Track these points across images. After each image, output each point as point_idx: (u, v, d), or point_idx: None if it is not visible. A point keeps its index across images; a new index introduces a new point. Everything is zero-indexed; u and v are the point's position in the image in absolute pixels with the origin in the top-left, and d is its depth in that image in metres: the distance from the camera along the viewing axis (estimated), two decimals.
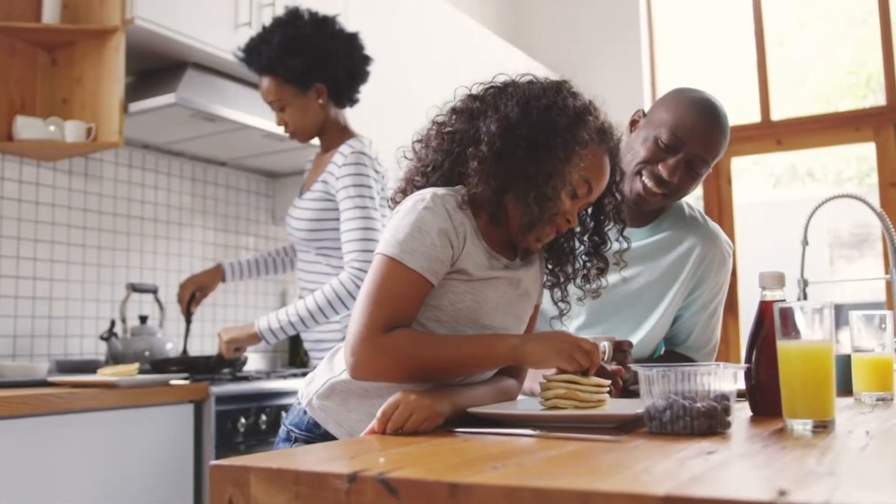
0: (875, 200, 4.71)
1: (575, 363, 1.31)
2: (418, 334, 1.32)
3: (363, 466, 0.88)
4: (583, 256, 1.54)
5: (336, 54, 2.51)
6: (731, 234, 5.04)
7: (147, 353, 2.81)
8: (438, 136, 1.45)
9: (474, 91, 1.46)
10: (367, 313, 1.30)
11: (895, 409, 1.40)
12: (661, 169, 1.80)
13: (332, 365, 1.47)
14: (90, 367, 2.75)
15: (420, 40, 4.02)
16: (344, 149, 2.47)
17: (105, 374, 2.37)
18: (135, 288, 2.95)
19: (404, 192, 1.47)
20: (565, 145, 1.35)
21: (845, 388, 1.69)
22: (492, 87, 1.45)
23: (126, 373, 2.37)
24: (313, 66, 2.47)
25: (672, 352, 1.99)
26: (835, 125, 4.97)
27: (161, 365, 2.64)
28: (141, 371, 2.60)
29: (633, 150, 1.85)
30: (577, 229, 1.53)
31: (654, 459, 0.91)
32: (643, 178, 1.82)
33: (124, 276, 3.13)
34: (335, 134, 2.58)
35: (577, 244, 1.54)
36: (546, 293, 1.57)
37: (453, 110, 1.45)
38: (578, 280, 1.54)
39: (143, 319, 2.93)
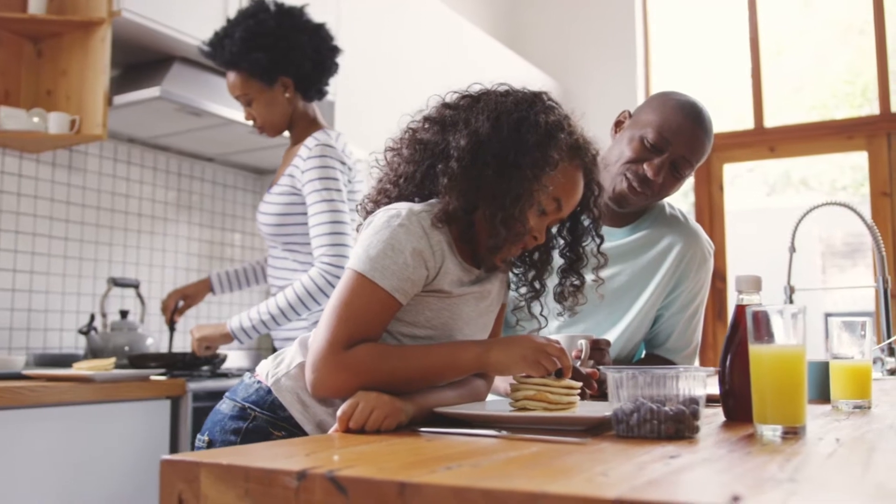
0: (868, 210, 4.69)
1: (541, 368, 1.28)
2: (380, 347, 1.29)
3: (316, 464, 0.86)
4: (559, 273, 1.51)
5: (301, 47, 2.46)
6: (721, 241, 5.02)
7: (127, 348, 2.79)
8: (410, 146, 1.42)
9: (448, 100, 1.43)
10: (331, 329, 1.27)
11: (871, 417, 1.38)
12: (646, 168, 1.80)
13: (305, 349, 1.41)
14: (69, 361, 2.73)
15: (416, 42, 4.00)
16: (309, 141, 2.43)
17: (81, 368, 2.35)
18: (116, 282, 2.93)
19: (376, 202, 1.44)
20: (534, 165, 1.33)
21: (823, 396, 1.67)
22: (466, 96, 1.42)
23: (102, 367, 2.35)
24: (277, 60, 2.43)
25: (653, 355, 1.98)
26: (828, 133, 4.96)
27: (139, 360, 2.62)
28: (119, 366, 2.57)
29: (618, 149, 1.85)
30: (555, 243, 1.51)
31: (615, 463, 0.88)
32: (627, 177, 1.82)
33: (106, 270, 3.11)
34: (304, 127, 2.53)
35: (553, 257, 1.52)
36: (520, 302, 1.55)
37: (426, 119, 1.43)
38: (553, 297, 1.52)
39: (124, 314, 2.90)
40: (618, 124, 1.92)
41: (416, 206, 1.35)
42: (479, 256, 1.41)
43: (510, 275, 1.55)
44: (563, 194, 1.38)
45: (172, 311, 2.72)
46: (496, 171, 1.32)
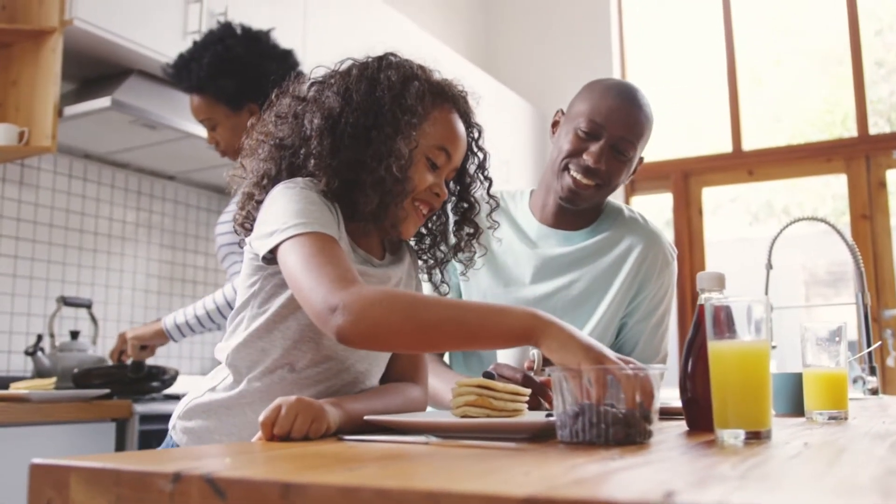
0: (848, 235, 4.61)
1: (596, 360, 1.03)
2: (389, 289, 1.18)
3: (195, 465, 0.74)
4: (454, 225, 1.46)
5: (269, 73, 2.39)
6: (702, 267, 4.93)
7: (76, 370, 2.65)
8: (266, 146, 1.35)
9: (295, 93, 1.37)
10: (324, 275, 1.11)
11: (847, 427, 1.27)
12: (587, 158, 1.73)
13: (198, 387, 1.39)
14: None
15: None
16: None
17: (19, 388, 2.22)
18: (66, 301, 2.80)
19: (243, 208, 1.36)
20: (394, 120, 1.28)
21: (797, 410, 1.56)
22: (314, 83, 1.37)
23: (41, 387, 2.23)
24: (245, 87, 2.35)
25: None
26: (806, 156, 4.90)
27: (82, 377, 2.48)
28: (63, 387, 2.44)
29: (557, 147, 1.79)
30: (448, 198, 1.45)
31: (545, 465, 0.77)
32: (571, 171, 1.75)
33: (59, 290, 2.98)
34: None
35: (448, 216, 1.47)
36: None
37: (277, 116, 1.36)
38: (450, 251, 1.46)
39: (75, 335, 2.76)
40: (554, 125, 1.87)
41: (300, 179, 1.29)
42: (387, 238, 1.36)
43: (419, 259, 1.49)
44: (447, 141, 1.33)
45: (120, 352, 2.59)
46: (355, 138, 1.27)
